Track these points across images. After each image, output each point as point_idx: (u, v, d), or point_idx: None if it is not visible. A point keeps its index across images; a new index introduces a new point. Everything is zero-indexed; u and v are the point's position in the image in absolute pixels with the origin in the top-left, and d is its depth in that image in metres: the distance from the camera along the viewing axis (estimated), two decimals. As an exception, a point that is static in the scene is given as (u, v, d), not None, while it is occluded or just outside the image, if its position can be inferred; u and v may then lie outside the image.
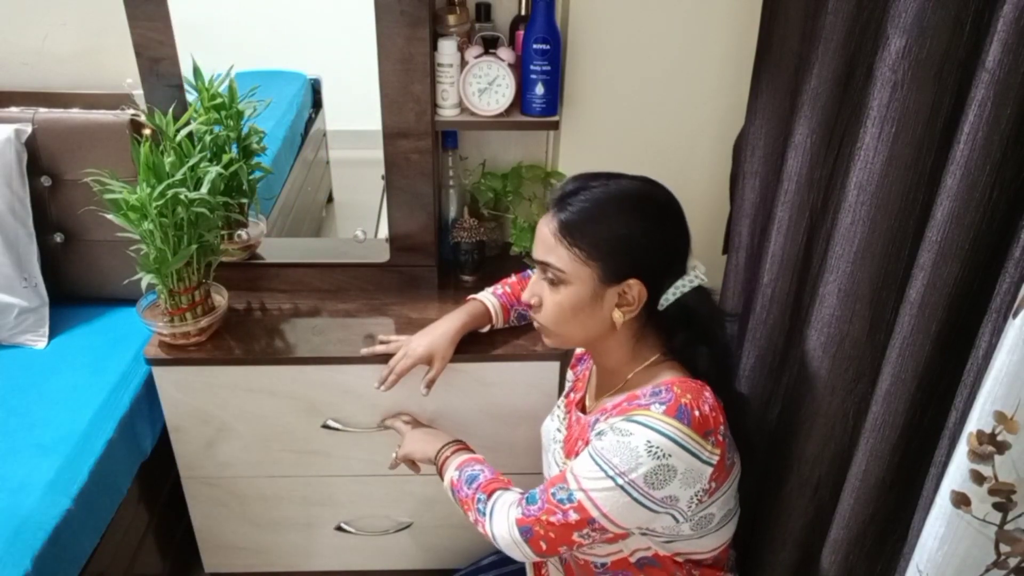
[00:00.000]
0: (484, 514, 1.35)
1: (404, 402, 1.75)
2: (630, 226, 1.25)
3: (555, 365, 1.73)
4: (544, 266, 1.28)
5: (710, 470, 1.21)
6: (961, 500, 0.87)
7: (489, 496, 1.37)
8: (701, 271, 1.28)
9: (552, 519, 1.25)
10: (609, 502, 1.20)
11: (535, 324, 1.36)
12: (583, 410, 1.45)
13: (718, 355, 1.33)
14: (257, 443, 1.81)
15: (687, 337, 1.30)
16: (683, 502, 1.22)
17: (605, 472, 1.20)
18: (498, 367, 1.73)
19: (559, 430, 1.49)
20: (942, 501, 0.89)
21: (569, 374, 1.59)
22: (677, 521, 1.25)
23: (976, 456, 0.84)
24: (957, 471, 0.87)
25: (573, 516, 1.23)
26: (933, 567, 0.92)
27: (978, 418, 0.83)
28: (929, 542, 0.92)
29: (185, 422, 1.77)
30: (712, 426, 1.21)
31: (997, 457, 0.83)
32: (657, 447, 1.17)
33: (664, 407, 1.20)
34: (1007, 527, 0.85)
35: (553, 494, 1.26)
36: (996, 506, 0.85)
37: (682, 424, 1.18)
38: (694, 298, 1.28)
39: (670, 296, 1.26)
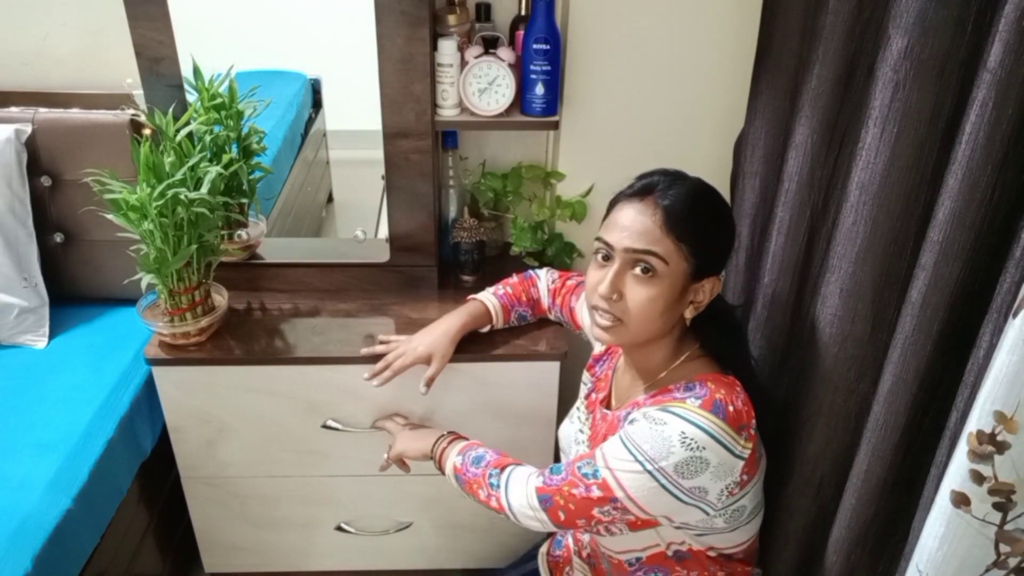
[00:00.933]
0: (497, 487, 1.35)
1: (402, 402, 1.74)
2: (722, 222, 1.29)
3: (555, 365, 1.73)
4: (641, 257, 1.23)
5: (742, 464, 1.22)
6: (961, 500, 0.87)
7: (502, 470, 1.37)
8: None
9: (574, 491, 1.26)
10: (634, 484, 1.21)
11: (602, 319, 1.28)
12: (608, 407, 1.44)
13: (741, 347, 1.37)
14: (257, 443, 1.80)
15: (715, 331, 1.32)
16: (712, 495, 1.22)
17: (634, 457, 1.21)
18: (498, 367, 1.72)
19: (581, 431, 1.49)
20: (942, 501, 0.89)
21: (586, 376, 1.57)
22: (708, 514, 1.26)
23: (976, 456, 0.84)
24: (957, 471, 0.87)
25: (596, 492, 1.24)
26: (933, 567, 0.92)
27: (978, 418, 0.83)
28: (929, 542, 0.92)
29: (185, 422, 1.77)
30: (745, 420, 1.22)
31: (997, 457, 0.83)
32: (691, 439, 1.18)
33: (700, 401, 1.21)
34: (1007, 527, 0.85)
35: (579, 468, 1.27)
36: (996, 506, 0.85)
37: (717, 418, 1.19)
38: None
39: None
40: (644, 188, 1.26)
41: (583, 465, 1.27)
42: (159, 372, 1.71)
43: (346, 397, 1.74)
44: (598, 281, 1.27)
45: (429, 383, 1.62)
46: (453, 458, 1.46)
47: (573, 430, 1.52)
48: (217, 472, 1.85)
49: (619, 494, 1.22)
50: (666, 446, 1.19)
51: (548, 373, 1.74)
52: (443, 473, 1.50)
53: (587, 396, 1.54)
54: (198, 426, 1.78)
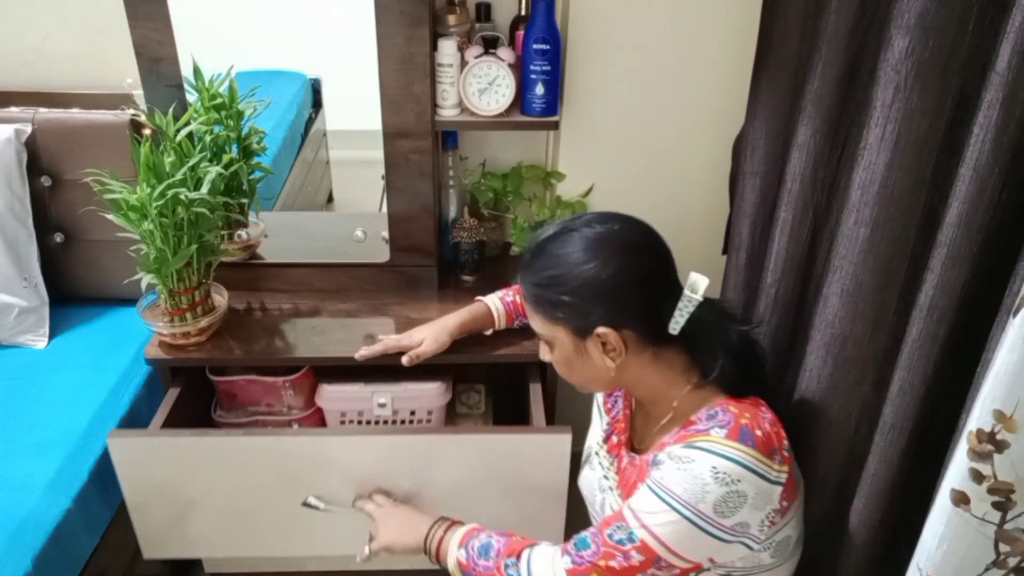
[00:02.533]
0: None
1: (391, 474, 1.56)
2: (581, 284, 1.19)
3: (567, 438, 1.54)
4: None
5: (779, 489, 1.16)
6: (960, 499, 0.86)
7: (519, 557, 1.25)
8: (700, 286, 1.20)
9: (612, 563, 1.16)
10: (674, 535, 1.13)
11: None
12: (634, 450, 1.38)
13: (750, 363, 1.28)
14: (231, 521, 1.64)
15: (713, 353, 1.23)
16: (754, 528, 1.16)
17: (668, 504, 1.13)
18: (503, 439, 1.58)
19: (606, 478, 1.41)
20: (942, 500, 0.89)
21: (602, 416, 1.48)
22: (752, 549, 1.19)
23: (975, 455, 0.84)
24: (957, 470, 0.86)
25: (636, 557, 1.15)
26: (933, 566, 0.91)
27: (978, 417, 0.83)
28: (929, 541, 0.92)
29: (146, 498, 1.59)
30: (776, 443, 1.16)
31: (996, 456, 0.82)
32: (724, 472, 1.11)
33: (725, 431, 1.14)
34: (1006, 526, 0.85)
35: (610, 535, 1.17)
36: (995, 505, 0.85)
37: (746, 446, 1.13)
38: (706, 313, 1.21)
39: (679, 319, 1.20)
40: (522, 265, 1.28)
41: (614, 531, 1.17)
42: (114, 444, 1.51)
43: (329, 469, 1.56)
44: None
45: (413, 358, 1.61)
46: (455, 552, 1.32)
47: (596, 478, 1.42)
48: (184, 553, 1.72)
49: (661, 552, 1.14)
50: (699, 485, 1.11)
51: (558, 444, 1.55)
52: (444, 568, 1.35)
53: (607, 439, 1.45)
54: (162, 503, 1.59)
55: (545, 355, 1.34)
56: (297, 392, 1.79)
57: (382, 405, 1.78)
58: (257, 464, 1.55)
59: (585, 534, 1.21)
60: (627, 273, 1.20)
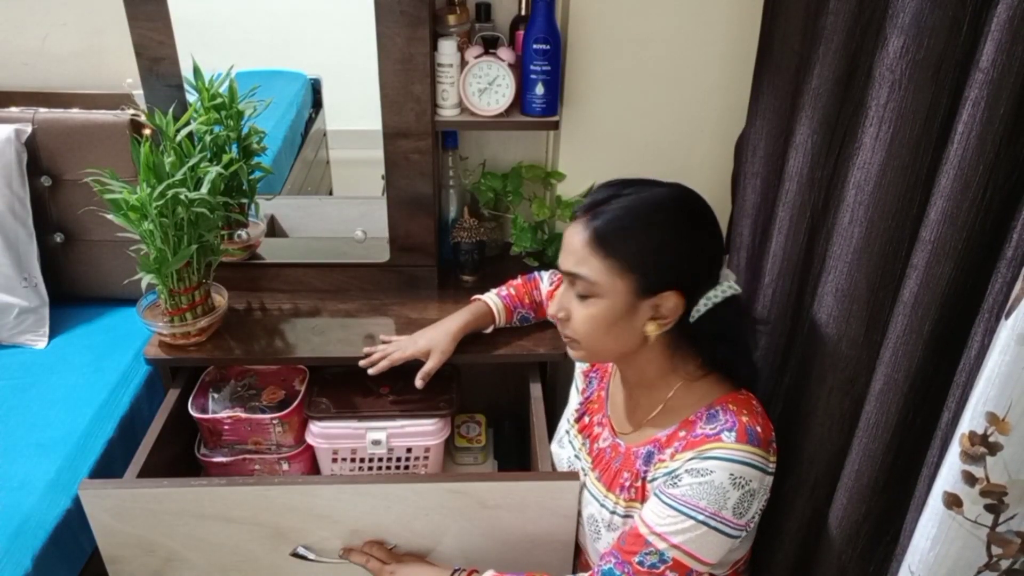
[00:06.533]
0: None
1: (386, 524, 1.44)
2: (667, 234, 1.19)
3: (575, 485, 1.41)
4: (573, 278, 1.21)
5: (772, 478, 1.21)
6: (953, 501, 0.86)
7: None
8: (732, 279, 1.24)
9: None
10: (703, 546, 1.17)
11: (563, 337, 1.30)
12: (615, 433, 1.39)
13: (744, 356, 1.31)
14: (215, 573, 1.51)
15: (722, 349, 1.26)
16: (756, 517, 1.22)
17: (694, 518, 1.16)
18: (504, 487, 1.42)
19: (577, 457, 1.44)
20: (934, 502, 0.89)
21: (575, 396, 1.52)
22: (741, 537, 1.22)
23: (968, 457, 0.84)
24: (949, 472, 0.86)
25: None
26: (925, 568, 0.91)
27: (970, 419, 0.83)
28: (921, 543, 0.92)
29: (123, 552, 1.46)
30: (771, 436, 1.21)
31: (989, 458, 0.82)
32: (740, 477, 1.16)
33: (734, 434, 1.17)
34: (999, 529, 0.85)
35: (640, 563, 1.19)
36: (988, 507, 0.85)
37: (754, 447, 1.17)
38: (726, 309, 1.23)
39: (701, 308, 1.21)
40: (588, 205, 1.22)
41: (643, 557, 1.18)
42: (87, 496, 1.38)
43: (319, 519, 1.43)
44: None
45: (425, 378, 1.61)
46: None
47: (566, 456, 1.47)
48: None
49: (693, 564, 1.17)
50: (721, 494, 1.15)
51: (565, 493, 1.42)
52: None
53: (578, 419, 1.48)
54: (140, 556, 1.47)
55: (562, 311, 1.25)
56: (287, 429, 1.67)
57: (376, 443, 1.65)
58: (242, 515, 1.42)
59: (610, 565, 1.22)
60: (705, 245, 1.23)
